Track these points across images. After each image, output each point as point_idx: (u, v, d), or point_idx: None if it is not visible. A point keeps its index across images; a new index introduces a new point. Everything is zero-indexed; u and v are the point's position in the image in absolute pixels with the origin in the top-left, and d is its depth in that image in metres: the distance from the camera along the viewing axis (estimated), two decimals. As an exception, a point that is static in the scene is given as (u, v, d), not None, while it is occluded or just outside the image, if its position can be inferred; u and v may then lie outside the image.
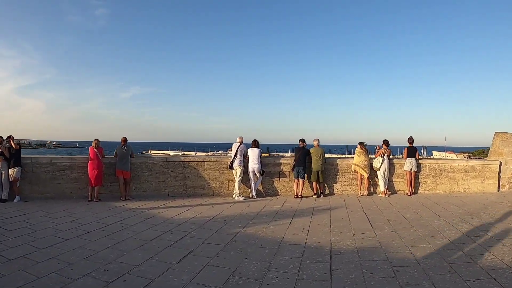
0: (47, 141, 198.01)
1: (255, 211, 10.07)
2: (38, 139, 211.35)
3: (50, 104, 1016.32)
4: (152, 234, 7.59)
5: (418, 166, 13.09)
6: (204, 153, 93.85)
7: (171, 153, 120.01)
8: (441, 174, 13.25)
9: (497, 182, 13.33)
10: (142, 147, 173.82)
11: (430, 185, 13.22)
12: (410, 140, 13.19)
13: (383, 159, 12.62)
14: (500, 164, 13.39)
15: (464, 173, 13.25)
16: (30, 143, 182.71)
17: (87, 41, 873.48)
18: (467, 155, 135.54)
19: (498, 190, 13.29)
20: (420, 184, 13.22)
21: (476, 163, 13.55)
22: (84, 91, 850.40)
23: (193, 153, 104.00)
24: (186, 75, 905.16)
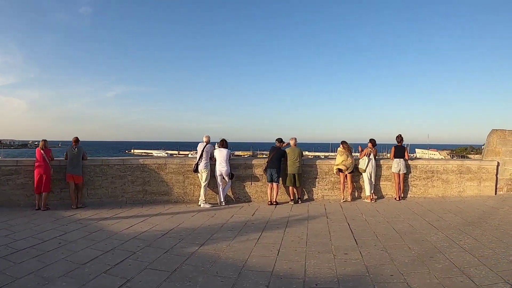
0: (29, 141, 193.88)
1: (220, 223, 8.68)
2: (20, 139, 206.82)
3: (34, 104, 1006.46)
4: (90, 254, 6.35)
5: (408, 167, 11.87)
6: (188, 152, 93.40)
7: (154, 152, 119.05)
8: (433, 176, 12.06)
9: (494, 184, 12.22)
10: (127, 147, 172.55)
11: (421, 189, 12.02)
12: (399, 138, 11.94)
13: (369, 159, 11.34)
14: (498, 164, 12.28)
15: (458, 175, 12.10)
16: (12, 143, 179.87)
17: (71, 39, 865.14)
18: (450, 153, 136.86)
19: (495, 193, 12.17)
20: (410, 187, 12.01)
21: (472, 163, 12.39)
22: (68, 90, 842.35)
23: (176, 152, 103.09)
24: (173, 74, 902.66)
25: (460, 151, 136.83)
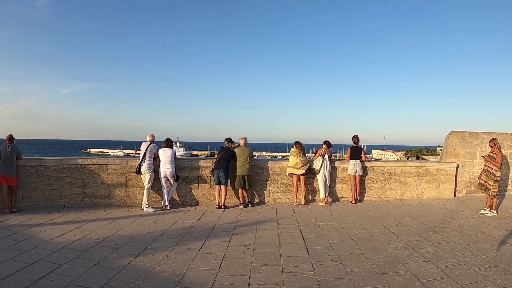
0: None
1: (161, 229, 7.78)
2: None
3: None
4: (12, 267, 5.47)
5: (364, 169, 11.32)
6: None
7: (111, 151, 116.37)
8: (391, 178, 11.59)
9: (453, 186, 11.90)
10: (83, 146, 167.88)
11: (378, 191, 11.52)
12: (355, 139, 11.36)
13: (323, 160, 10.72)
14: (457, 166, 11.97)
15: (417, 177, 11.69)
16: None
17: (27, 33, 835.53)
18: (405, 154, 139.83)
19: (454, 196, 11.84)
20: (367, 190, 11.48)
21: (431, 165, 11.98)
22: (23, 87, 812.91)
23: (133, 151, 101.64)
24: (129, 72, 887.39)
25: (416, 152, 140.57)
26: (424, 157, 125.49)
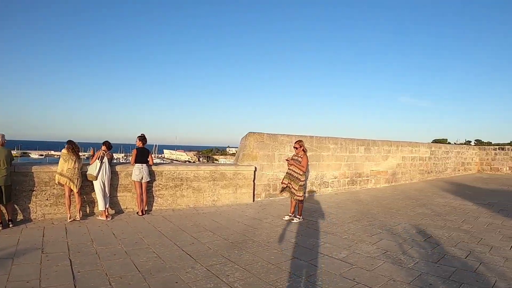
0: None
1: None
2: None
3: None
4: None
5: (152, 174, 9.81)
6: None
7: None
8: (183, 184, 10.32)
9: (252, 191, 11.36)
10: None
11: (168, 199, 10.12)
12: (141, 138, 9.74)
13: (102, 164, 8.86)
14: (255, 169, 11.40)
15: (212, 182, 10.70)
16: None
17: None
18: (196, 154, 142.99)
19: (253, 200, 11.30)
20: (155, 198, 9.97)
21: (227, 169, 11.13)
22: None
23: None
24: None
25: (207, 152, 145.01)
26: (215, 157, 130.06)
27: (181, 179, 10.26)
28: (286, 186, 9.10)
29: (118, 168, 9.55)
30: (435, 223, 8.90)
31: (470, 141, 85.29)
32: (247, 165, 11.34)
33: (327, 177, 13.86)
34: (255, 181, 11.45)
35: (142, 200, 9.33)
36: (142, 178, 9.32)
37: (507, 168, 25.16)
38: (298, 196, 8.89)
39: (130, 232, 7.55)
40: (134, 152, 9.53)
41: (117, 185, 9.50)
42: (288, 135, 12.39)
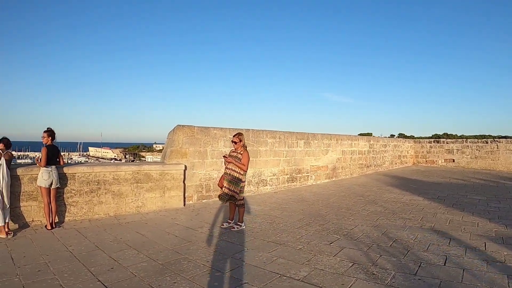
0: None
1: None
2: None
3: None
4: None
5: (62, 178, 8.12)
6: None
7: None
8: (100, 188, 8.61)
9: (182, 193, 9.82)
10: None
11: (83, 207, 8.39)
12: (50, 133, 7.84)
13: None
14: (185, 168, 9.91)
15: (135, 184, 9.06)
16: None
17: None
18: (123, 151, 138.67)
19: (184, 204, 9.82)
20: (68, 207, 8.22)
21: (152, 168, 9.47)
22: None
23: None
24: None
25: (133, 149, 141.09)
26: (142, 154, 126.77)
27: (98, 182, 8.56)
28: (229, 192, 7.58)
29: (20, 171, 7.68)
30: (394, 223, 8.03)
31: (394, 135, 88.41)
32: (176, 164, 9.80)
33: (265, 175, 12.67)
34: (185, 182, 9.98)
35: (51, 210, 7.59)
36: (51, 184, 7.60)
37: (442, 160, 25.48)
38: (240, 199, 7.62)
39: (34, 255, 5.82)
40: (44, 151, 7.61)
41: (20, 192, 7.67)
42: (221, 128, 11.03)
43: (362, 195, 12.08)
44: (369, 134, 75.56)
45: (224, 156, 7.70)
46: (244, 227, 7.61)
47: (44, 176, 7.53)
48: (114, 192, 8.74)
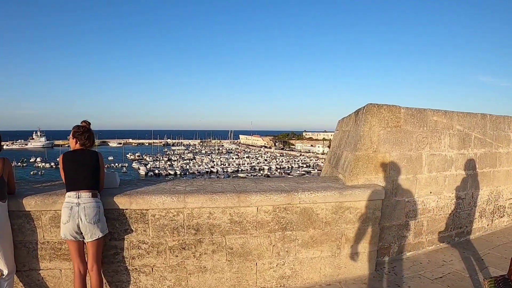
0: None
1: None
2: None
3: None
4: None
5: (119, 217, 3.67)
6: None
7: None
8: (203, 241, 3.91)
9: (372, 246, 4.71)
10: None
11: (167, 279, 3.86)
12: (81, 131, 3.64)
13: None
14: (384, 195, 4.90)
15: (279, 233, 4.13)
16: None
17: None
18: (272, 138, 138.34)
19: (374, 267, 4.68)
20: (135, 276, 3.83)
21: (318, 199, 4.23)
22: None
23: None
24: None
25: (283, 137, 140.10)
26: (291, 141, 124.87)
27: (198, 229, 3.99)
28: None
29: (31, 203, 3.56)
30: None
31: None
32: (365, 187, 4.55)
33: (504, 197, 7.00)
34: (381, 222, 4.77)
35: (84, 284, 3.50)
36: (80, 232, 3.38)
37: None
38: None
39: None
40: (60, 160, 3.54)
41: (36, 242, 3.65)
42: (445, 112, 5.60)
43: None
44: None
45: None
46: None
47: (63, 216, 3.40)
48: (232, 248, 4.08)
